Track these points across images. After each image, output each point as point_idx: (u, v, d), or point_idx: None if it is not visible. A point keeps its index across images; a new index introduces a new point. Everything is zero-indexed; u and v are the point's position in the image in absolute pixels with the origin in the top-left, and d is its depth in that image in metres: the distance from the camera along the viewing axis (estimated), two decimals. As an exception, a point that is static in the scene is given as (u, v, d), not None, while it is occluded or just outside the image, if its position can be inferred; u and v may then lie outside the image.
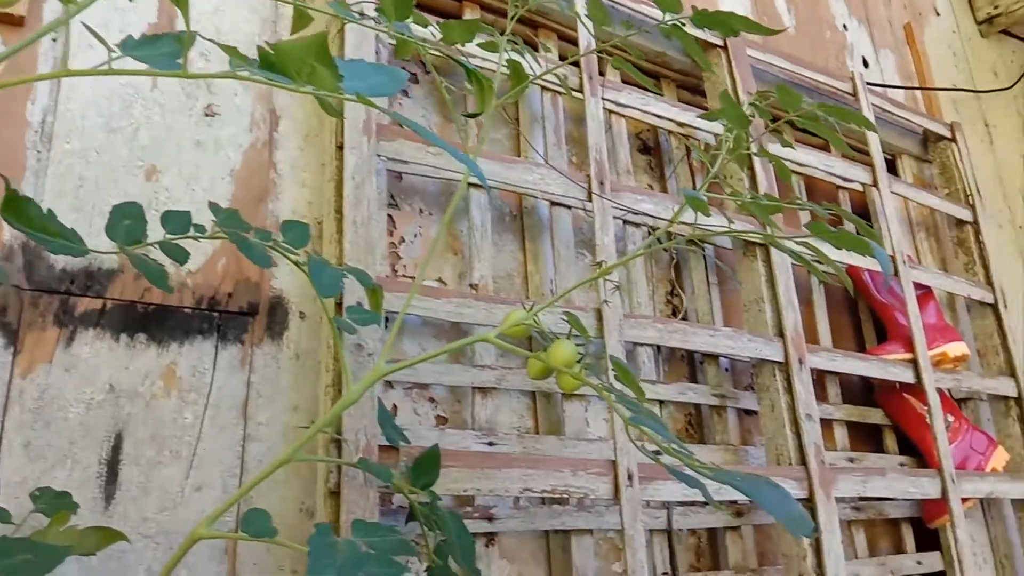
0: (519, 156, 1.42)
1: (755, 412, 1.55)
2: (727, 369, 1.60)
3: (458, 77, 1.40)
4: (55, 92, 1.02)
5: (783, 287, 1.46)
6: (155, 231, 0.77)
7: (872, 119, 1.87)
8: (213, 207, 0.80)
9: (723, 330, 1.39)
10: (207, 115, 1.10)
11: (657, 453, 0.73)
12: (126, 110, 1.04)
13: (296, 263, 0.76)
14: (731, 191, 1.37)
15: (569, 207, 1.42)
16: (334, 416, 0.83)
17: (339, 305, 1.00)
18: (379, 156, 1.14)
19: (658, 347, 1.50)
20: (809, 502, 1.35)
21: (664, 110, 1.52)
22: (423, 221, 1.30)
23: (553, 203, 1.40)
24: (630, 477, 1.17)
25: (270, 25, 1.20)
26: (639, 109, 1.50)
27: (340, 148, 1.06)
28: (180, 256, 0.73)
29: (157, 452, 0.96)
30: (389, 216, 1.26)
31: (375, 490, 0.97)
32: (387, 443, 1.00)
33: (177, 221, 0.77)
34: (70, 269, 0.97)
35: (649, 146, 1.71)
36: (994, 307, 1.96)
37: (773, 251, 1.48)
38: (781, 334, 1.44)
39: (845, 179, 1.83)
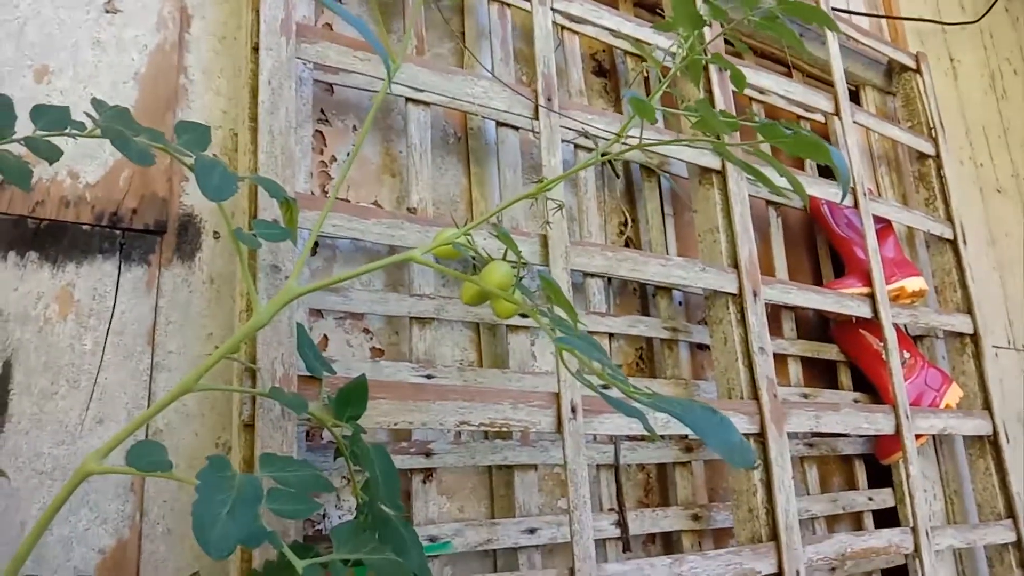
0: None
1: (707, 347, 1.50)
2: (680, 303, 1.54)
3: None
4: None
5: (739, 216, 1.40)
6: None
7: (836, 42, 1.80)
8: (96, 103, 0.70)
9: (675, 259, 1.33)
10: (108, 11, 0.99)
11: (604, 387, 0.66)
12: (10, 1, 0.93)
13: (188, 165, 0.67)
14: (685, 106, 1.29)
15: (517, 128, 1.33)
16: (239, 339, 0.75)
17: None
18: (303, 62, 1.04)
19: (609, 279, 1.44)
20: (760, 437, 1.31)
21: (619, 24, 1.42)
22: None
23: (500, 124, 1.31)
24: (573, 410, 1.11)
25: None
26: (592, 23, 1.40)
27: (256, 50, 0.96)
28: (50, 154, 0.64)
29: (52, 381, 0.88)
30: (319, 132, 1.17)
31: (294, 423, 0.89)
32: (308, 373, 0.92)
33: (50, 116, 0.67)
34: (-52, 179, 0.87)
35: (605, 68, 1.62)
36: (953, 243, 1.92)
37: (729, 179, 1.41)
38: (736, 265, 1.38)
39: (807, 107, 1.75)
